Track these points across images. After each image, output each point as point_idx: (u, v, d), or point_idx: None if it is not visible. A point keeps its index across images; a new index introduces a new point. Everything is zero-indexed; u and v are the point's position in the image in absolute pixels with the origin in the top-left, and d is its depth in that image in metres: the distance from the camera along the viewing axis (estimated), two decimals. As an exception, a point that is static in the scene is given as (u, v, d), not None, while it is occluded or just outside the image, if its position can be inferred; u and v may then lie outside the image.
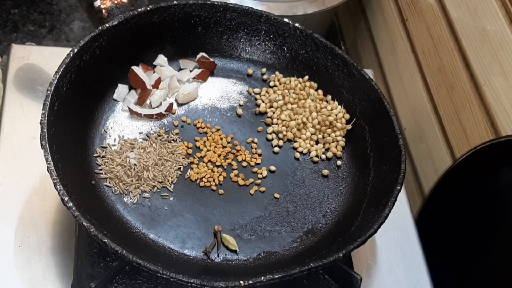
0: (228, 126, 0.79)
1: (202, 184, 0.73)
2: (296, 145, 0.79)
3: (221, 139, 0.77)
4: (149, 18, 0.78)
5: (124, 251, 0.58)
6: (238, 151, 0.77)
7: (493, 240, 0.80)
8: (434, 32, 0.98)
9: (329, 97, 0.83)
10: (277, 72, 0.84)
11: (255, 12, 0.82)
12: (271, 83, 0.84)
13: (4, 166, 0.76)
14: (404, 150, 0.72)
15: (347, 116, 0.81)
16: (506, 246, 0.77)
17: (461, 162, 0.86)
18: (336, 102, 0.82)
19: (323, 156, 0.78)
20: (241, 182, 0.74)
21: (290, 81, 0.83)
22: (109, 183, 0.70)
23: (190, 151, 0.75)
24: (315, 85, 0.83)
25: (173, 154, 0.74)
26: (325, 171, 0.77)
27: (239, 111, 0.80)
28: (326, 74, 0.82)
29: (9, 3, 1.51)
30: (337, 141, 0.79)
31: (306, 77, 0.84)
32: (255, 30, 0.84)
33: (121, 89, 0.77)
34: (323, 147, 0.79)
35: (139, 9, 0.76)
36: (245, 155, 0.77)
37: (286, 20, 0.82)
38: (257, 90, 0.83)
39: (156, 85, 0.79)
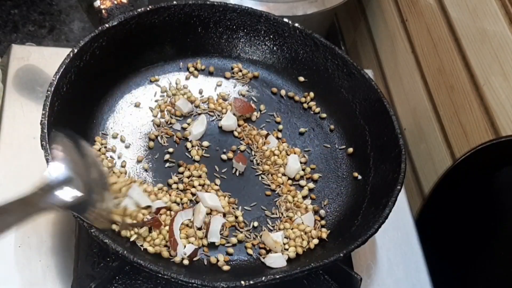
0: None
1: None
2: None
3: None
4: (149, 18, 0.78)
5: (125, 252, 0.58)
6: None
7: (493, 240, 0.80)
8: (434, 32, 0.98)
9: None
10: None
11: (254, 12, 0.82)
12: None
13: (4, 166, 0.76)
14: (404, 150, 0.72)
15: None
16: (506, 246, 0.77)
17: (461, 162, 0.86)
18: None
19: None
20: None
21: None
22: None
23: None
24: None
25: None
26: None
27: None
28: (326, 74, 0.82)
29: (9, 3, 1.51)
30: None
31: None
32: (254, 30, 0.84)
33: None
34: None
35: (139, 10, 0.76)
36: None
37: (285, 20, 0.82)
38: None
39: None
